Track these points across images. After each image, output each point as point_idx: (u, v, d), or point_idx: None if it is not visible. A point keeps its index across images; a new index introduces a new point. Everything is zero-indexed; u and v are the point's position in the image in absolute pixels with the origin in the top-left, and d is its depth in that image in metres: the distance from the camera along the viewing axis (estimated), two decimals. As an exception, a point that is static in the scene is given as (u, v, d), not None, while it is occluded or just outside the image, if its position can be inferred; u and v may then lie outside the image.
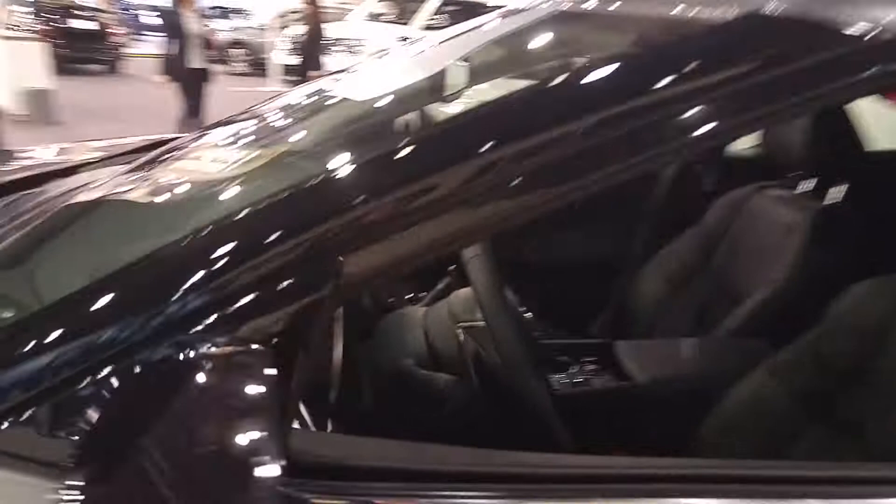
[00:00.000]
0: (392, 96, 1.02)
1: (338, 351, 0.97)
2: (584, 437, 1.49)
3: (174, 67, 6.15)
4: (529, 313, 1.16)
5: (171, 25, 6.16)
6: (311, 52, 6.82)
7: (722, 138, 0.75)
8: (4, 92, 7.66)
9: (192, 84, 6.25)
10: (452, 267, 1.26)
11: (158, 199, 0.96)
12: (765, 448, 1.27)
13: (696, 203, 2.09)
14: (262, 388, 0.60)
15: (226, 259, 0.68)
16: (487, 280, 0.97)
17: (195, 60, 6.25)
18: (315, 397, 0.90)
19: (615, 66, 0.80)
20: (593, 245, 2.32)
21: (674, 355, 1.58)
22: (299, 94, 1.33)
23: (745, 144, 2.16)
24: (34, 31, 9.99)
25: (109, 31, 12.64)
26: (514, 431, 0.99)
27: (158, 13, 7.27)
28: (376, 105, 1.03)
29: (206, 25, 6.46)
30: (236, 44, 14.40)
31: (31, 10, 11.70)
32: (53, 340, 0.65)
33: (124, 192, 1.06)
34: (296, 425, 0.77)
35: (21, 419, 0.62)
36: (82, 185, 1.20)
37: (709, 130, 0.71)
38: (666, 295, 1.98)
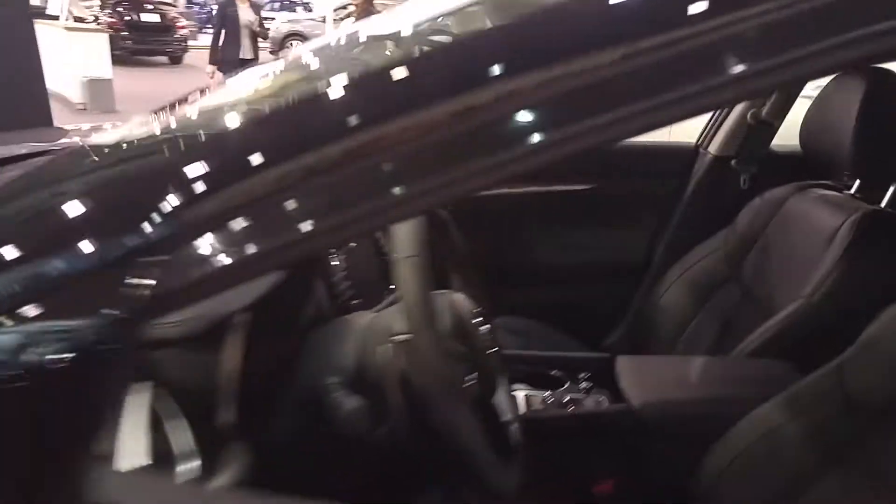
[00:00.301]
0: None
1: (232, 366, 0.83)
2: (571, 462, 1.33)
3: (223, 57, 6.21)
4: (488, 325, 1.01)
5: (223, 16, 6.23)
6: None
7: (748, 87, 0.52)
8: (67, 81, 7.90)
9: (241, 74, 6.28)
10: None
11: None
12: (775, 490, 1.08)
13: (728, 202, 1.88)
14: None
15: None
16: (416, 286, 0.81)
17: (246, 51, 6.30)
18: (205, 422, 0.77)
19: None
20: (612, 248, 2.15)
21: (679, 376, 1.39)
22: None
23: (789, 139, 1.94)
24: (100, 23, 10.31)
25: (175, 23, 12.91)
26: (438, 472, 0.84)
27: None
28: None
29: (257, 17, 6.50)
30: (295, 35, 14.51)
31: (99, 2, 12.10)
32: None
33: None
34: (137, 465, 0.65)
35: None
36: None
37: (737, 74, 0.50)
38: (688, 305, 1.78)
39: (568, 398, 1.37)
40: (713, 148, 2.05)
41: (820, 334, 1.38)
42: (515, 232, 2.16)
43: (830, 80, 1.54)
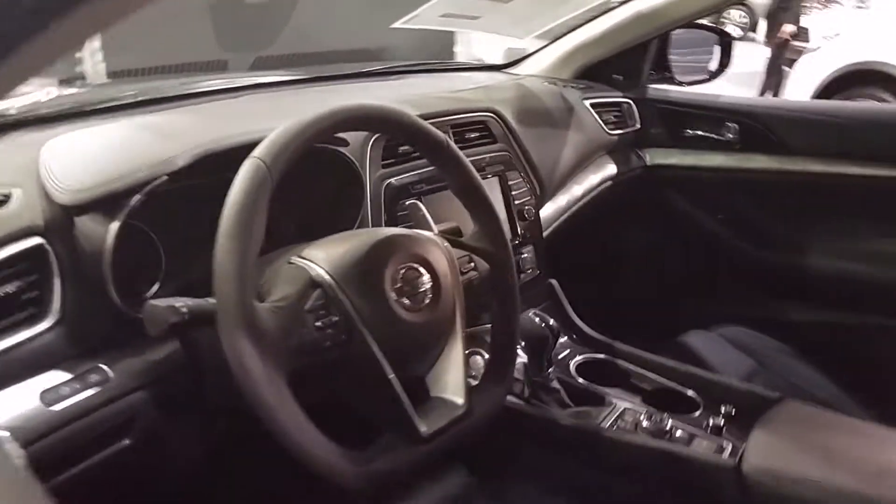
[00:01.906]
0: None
1: None
2: None
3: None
4: None
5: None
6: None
7: None
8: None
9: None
10: None
11: None
12: None
13: None
14: None
15: None
16: (242, 202, 0.64)
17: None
18: None
19: None
20: None
21: (847, 447, 1.00)
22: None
23: None
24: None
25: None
26: None
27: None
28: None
29: None
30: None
31: None
32: None
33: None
34: None
35: None
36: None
37: None
38: None
39: (672, 427, 1.04)
40: None
41: None
42: (784, 224, 1.60)
43: None
